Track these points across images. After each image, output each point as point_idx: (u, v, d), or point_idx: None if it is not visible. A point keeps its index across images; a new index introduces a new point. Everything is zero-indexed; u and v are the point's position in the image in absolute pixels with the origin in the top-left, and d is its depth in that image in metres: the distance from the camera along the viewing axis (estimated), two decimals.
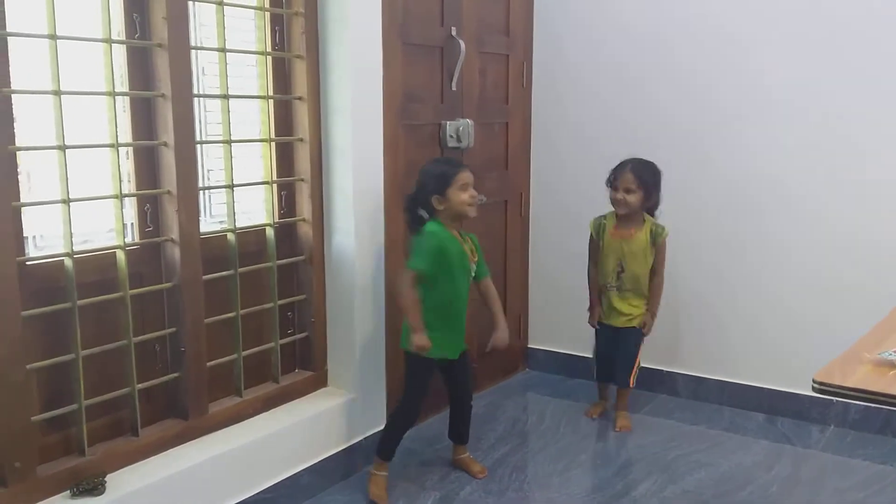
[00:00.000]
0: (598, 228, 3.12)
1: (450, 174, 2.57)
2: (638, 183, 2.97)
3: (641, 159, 3.03)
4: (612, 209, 3.08)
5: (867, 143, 3.01)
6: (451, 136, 3.19)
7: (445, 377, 2.75)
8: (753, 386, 3.36)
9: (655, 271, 3.09)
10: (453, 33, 3.14)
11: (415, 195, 2.63)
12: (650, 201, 3.03)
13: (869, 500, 2.64)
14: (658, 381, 3.51)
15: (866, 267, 3.05)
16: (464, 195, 2.57)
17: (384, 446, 2.69)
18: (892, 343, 1.54)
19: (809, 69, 3.07)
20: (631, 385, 3.17)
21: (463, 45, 3.16)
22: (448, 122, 3.18)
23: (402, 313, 2.66)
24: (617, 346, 3.15)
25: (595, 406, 3.33)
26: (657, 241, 3.05)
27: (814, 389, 1.35)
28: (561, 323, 3.72)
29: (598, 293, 3.17)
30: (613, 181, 3.03)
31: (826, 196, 3.11)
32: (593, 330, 3.24)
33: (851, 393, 1.33)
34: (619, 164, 3.03)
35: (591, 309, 3.22)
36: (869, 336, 1.62)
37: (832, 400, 3.09)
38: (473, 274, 2.68)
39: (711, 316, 3.41)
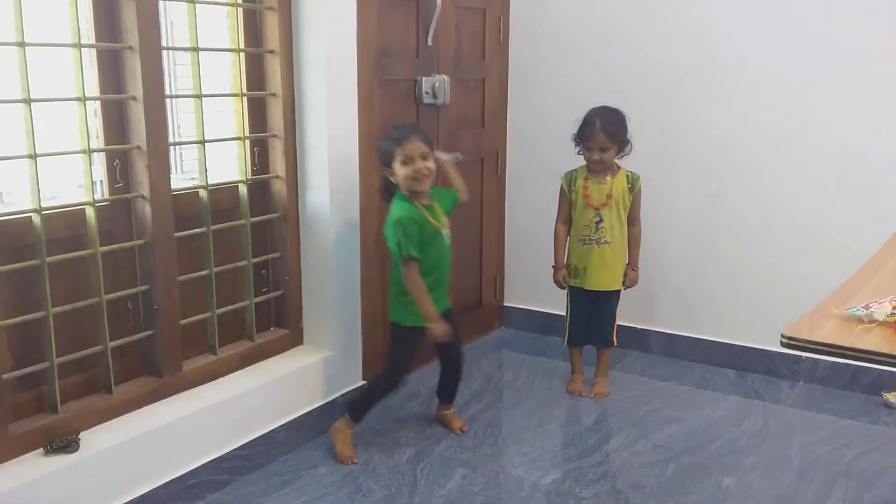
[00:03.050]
0: (570, 180, 3.03)
1: (392, 148, 2.50)
2: (612, 140, 2.91)
3: (608, 110, 2.93)
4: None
5: (841, 111, 3.02)
6: (427, 93, 3.15)
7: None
8: (724, 343, 3.40)
9: (633, 220, 3.04)
10: None
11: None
12: (623, 152, 2.97)
13: (835, 453, 2.70)
14: (630, 338, 3.54)
15: (838, 223, 3.08)
16: (405, 170, 2.49)
17: (359, 408, 2.70)
18: (861, 298, 1.55)
19: (790, 40, 3.06)
20: (615, 344, 3.15)
21: None
22: (424, 78, 3.14)
23: (387, 286, 2.67)
24: (598, 307, 3.09)
25: (576, 381, 3.19)
26: (634, 188, 3.00)
27: (782, 344, 1.36)
28: (537, 281, 3.73)
29: (564, 251, 3.09)
30: (585, 140, 2.94)
31: (800, 156, 3.12)
32: (564, 292, 3.16)
33: (818, 347, 1.34)
34: (586, 122, 2.93)
35: (556, 267, 3.11)
36: (838, 292, 1.64)
37: (801, 356, 3.15)
38: (448, 238, 2.63)
39: (684, 274, 3.44)
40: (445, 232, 2.62)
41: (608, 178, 2.98)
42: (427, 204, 2.58)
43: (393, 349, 2.70)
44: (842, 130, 3.03)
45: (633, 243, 3.07)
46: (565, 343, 3.22)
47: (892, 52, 2.89)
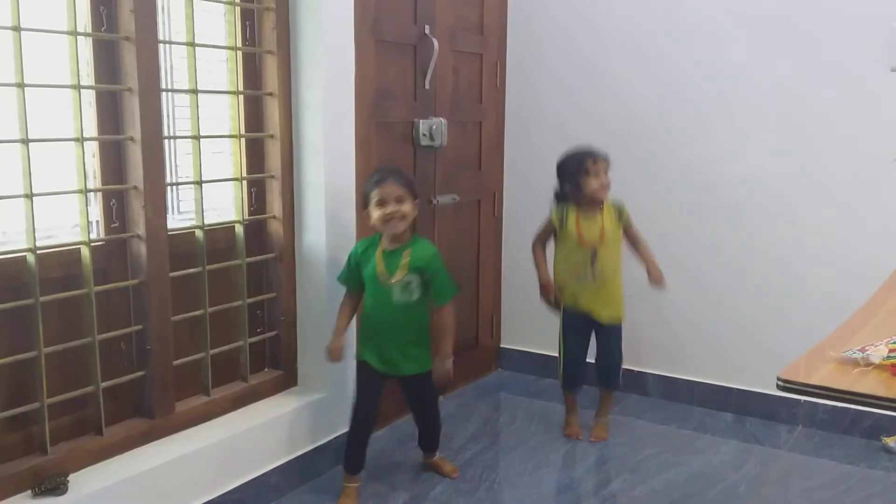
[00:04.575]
0: (562, 214, 2.98)
1: (367, 191, 2.55)
2: (608, 165, 2.94)
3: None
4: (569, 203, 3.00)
5: (837, 143, 3.05)
6: (424, 135, 3.18)
7: (403, 393, 2.74)
8: (723, 386, 3.38)
9: (635, 239, 3.00)
10: (427, 31, 3.13)
11: None
12: None
13: (835, 499, 2.66)
14: (628, 381, 3.51)
15: (836, 267, 3.08)
16: (376, 212, 2.51)
17: (344, 457, 2.65)
18: (858, 341, 1.55)
19: (784, 66, 3.10)
20: (620, 387, 3.10)
21: (436, 43, 3.15)
22: (421, 121, 3.17)
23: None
24: (603, 345, 3.04)
25: (573, 425, 3.15)
26: (623, 215, 2.98)
27: (778, 387, 1.35)
28: (534, 323, 3.72)
29: (546, 267, 3.04)
30: (591, 167, 2.89)
31: (797, 196, 3.14)
32: (558, 330, 3.09)
33: (814, 391, 1.33)
34: (584, 155, 2.92)
35: (544, 286, 3.05)
36: (835, 334, 1.63)
37: (800, 400, 3.12)
38: (398, 293, 2.56)
39: (682, 316, 3.43)
40: (396, 286, 2.55)
41: (598, 215, 2.97)
42: (393, 249, 2.56)
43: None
44: (839, 170, 3.05)
45: (647, 252, 2.99)
46: (561, 386, 3.17)
47: (890, 89, 2.91)
